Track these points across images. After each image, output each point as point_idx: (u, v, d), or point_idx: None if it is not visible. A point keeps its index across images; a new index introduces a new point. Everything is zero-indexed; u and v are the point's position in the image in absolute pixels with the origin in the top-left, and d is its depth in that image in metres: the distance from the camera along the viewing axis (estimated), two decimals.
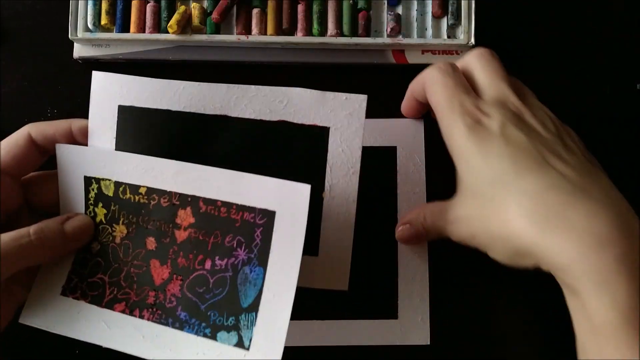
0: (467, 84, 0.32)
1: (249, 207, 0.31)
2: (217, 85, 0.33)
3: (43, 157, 0.34)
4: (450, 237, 0.33)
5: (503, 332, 0.38)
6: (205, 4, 0.39)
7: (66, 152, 0.33)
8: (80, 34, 0.39)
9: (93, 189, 0.33)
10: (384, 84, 0.40)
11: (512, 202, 0.28)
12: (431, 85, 0.32)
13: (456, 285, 0.39)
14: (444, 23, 0.40)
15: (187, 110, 0.33)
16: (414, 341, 0.37)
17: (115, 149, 0.33)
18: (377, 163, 0.38)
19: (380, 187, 0.38)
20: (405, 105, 0.38)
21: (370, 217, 0.38)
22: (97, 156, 0.33)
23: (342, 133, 0.33)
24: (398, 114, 0.40)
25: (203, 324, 0.31)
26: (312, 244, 0.34)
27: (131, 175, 0.32)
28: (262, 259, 0.30)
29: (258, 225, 0.31)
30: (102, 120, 0.33)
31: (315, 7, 0.39)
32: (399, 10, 0.40)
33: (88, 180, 0.33)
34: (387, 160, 0.38)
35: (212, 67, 0.40)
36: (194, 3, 0.39)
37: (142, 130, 0.33)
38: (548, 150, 0.29)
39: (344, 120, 0.33)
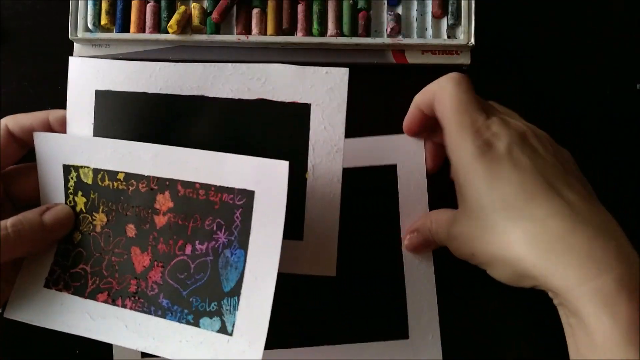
0: (481, 99, 0.31)
1: (227, 187, 0.30)
2: (193, 64, 0.32)
3: (22, 149, 0.34)
4: (451, 251, 0.33)
5: (514, 345, 0.38)
6: (205, 4, 0.39)
7: (44, 141, 0.33)
8: (80, 34, 0.39)
9: (72, 178, 0.33)
10: (384, 84, 0.40)
11: (516, 227, 0.28)
12: (443, 97, 0.31)
13: (464, 299, 0.39)
14: (444, 23, 0.40)
15: (164, 92, 0.32)
16: (427, 357, 0.37)
17: (94, 135, 0.33)
18: (377, 182, 0.37)
19: (381, 207, 0.38)
20: (409, 119, 0.36)
21: (373, 238, 0.37)
22: (75, 143, 0.33)
23: (324, 109, 0.32)
24: (397, 115, 0.40)
25: (185, 311, 0.31)
26: (296, 228, 0.33)
27: (109, 161, 0.32)
28: (243, 241, 0.30)
29: (237, 206, 0.30)
30: (79, 106, 0.33)
31: (315, 7, 0.39)
32: (399, 10, 0.40)
33: (67, 169, 0.33)
34: (388, 179, 0.37)
35: None
36: (194, 3, 0.39)
37: (119, 115, 0.33)
38: (552, 174, 0.29)
39: (325, 96, 0.32)
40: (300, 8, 0.39)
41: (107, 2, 0.39)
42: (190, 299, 0.31)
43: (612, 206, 0.30)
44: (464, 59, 0.39)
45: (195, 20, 0.39)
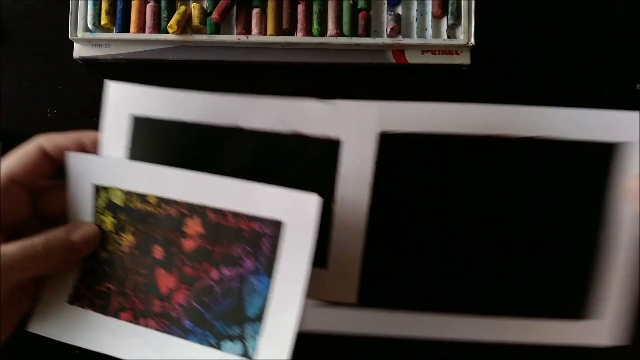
0: None
1: (257, 217, 0.31)
2: (230, 96, 0.33)
3: (53, 167, 0.34)
4: None
5: None
6: (205, 4, 0.39)
7: (76, 161, 0.33)
8: (80, 34, 0.39)
9: (102, 198, 0.33)
10: (384, 84, 0.40)
11: None
12: None
13: None
14: (444, 23, 0.40)
15: (200, 121, 0.33)
16: (610, 341, 0.33)
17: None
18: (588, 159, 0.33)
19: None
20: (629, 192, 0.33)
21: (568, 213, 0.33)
22: (107, 165, 0.33)
23: (354, 144, 0.33)
24: None
25: (208, 333, 0.31)
26: (321, 256, 0.33)
27: (140, 184, 0.32)
28: (269, 269, 0.30)
29: (266, 235, 0.31)
30: (114, 130, 0.33)
31: (315, 7, 0.39)
32: (399, 10, 0.40)
33: (97, 189, 0.33)
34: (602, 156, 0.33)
35: (212, 67, 0.40)
36: (194, 3, 0.39)
37: (154, 141, 0.33)
38: None
39: (355, 131, 0.33)
40: (300, 8, 0.39)
41: (107, 2, 0.39)
42: (214, 322, 0.31)
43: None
44: (464, 59, 0.39)
45: (195, 20, 0.39)
